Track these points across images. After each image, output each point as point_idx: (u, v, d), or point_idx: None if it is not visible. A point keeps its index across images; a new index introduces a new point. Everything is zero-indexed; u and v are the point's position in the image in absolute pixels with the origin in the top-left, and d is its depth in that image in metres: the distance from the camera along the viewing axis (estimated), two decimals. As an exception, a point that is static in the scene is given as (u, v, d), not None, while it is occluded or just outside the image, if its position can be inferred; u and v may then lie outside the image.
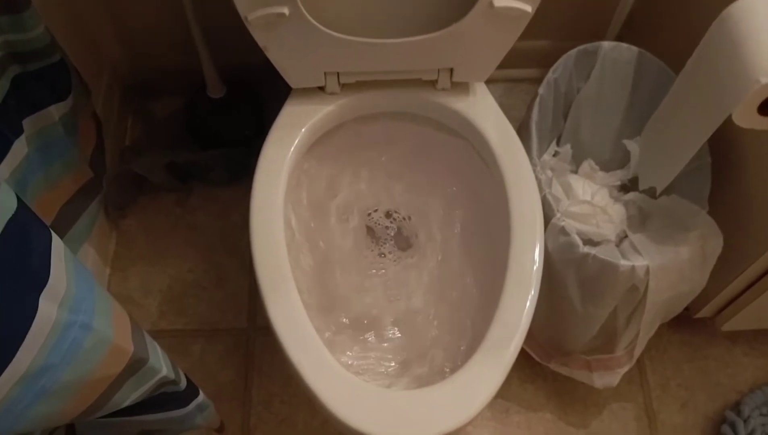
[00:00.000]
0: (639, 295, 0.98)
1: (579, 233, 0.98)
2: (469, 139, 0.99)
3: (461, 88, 0.99)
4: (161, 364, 0.72)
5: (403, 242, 1.09)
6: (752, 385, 1.23)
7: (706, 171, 1.01)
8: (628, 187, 1.14)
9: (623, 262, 0.93)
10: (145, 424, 0.85)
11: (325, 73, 0.96)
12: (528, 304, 0.85)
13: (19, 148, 0.94)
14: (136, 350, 0.66)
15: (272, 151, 0.95)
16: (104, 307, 0.62)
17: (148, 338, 0.71)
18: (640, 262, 0.93)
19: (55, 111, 1.00)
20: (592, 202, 1.02)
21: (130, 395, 0.70)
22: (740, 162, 1.01)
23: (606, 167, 1.16)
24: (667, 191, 1.03)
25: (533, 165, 0.99)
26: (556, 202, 0.99)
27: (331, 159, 1.06)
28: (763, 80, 0.75)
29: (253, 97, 1.38)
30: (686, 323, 1.24)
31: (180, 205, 1.35)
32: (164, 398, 0.78)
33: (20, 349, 0.52)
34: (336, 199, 1.08)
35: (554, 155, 1.17)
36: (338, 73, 0.96)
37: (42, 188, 1.02)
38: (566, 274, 0.98)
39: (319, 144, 1.02)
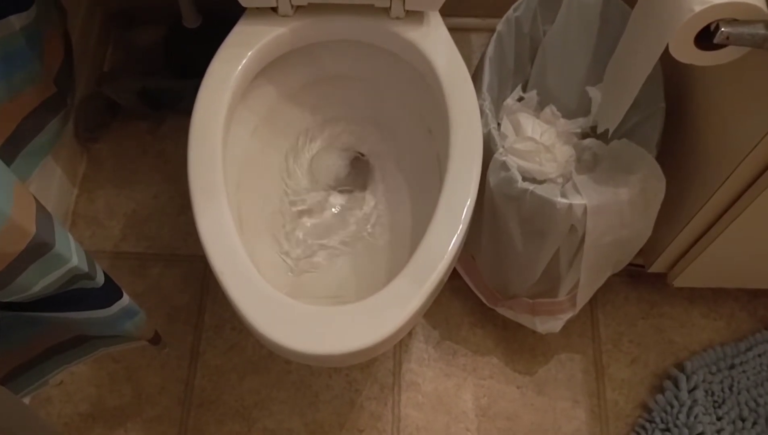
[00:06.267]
0: (579, 237, 0.97)
1: (521, 170, 0.97)
2: (420, 71, 0.99)
3: (415, 17, 0.98)
4: (71, 254, 0.73)
5: (358, 178, 1.10)
6: (706, 346, 1.21)
7: (659, 117, 0.99)
8: (589, 135, 1.13)
9: (560, 200, 0.92)
10: (71, 325, 0.87)
11: (276, -7, 0.96)
12: (456, 235, 0.85)
13: None
14: (39, 233, 0.67)
15: (219, 67, 0.96)
16: (3, 183, 0.63)
17: (58, 226, 0.72)
18: (578, 201, 0.92)
19: (16, 21, 1.01)
20: (538, 140, 1.01)
21: (37, 281, 0.71)
22: (692, 110, 0.99)
23: (572, 115, 1.14)
24: (620, 136, 1.01)
25: (482, 100, 0.99)
26: (502, 138, 0.98)
27: (285, 87, 1.07)
28: (697, 8, 0.73)
29: (228, 29, 1.37)
30: (644, 279, 1.23)
31: (151, 133, 1.37)
32: (82, 294, 0.79)
33: None
34: (287, 128, 1.08)
35: (519, 100, 1.15)
36: (290, -6, 0.96)
37: (2, 97, 1.03)
38: (507, 211, 0.98)
39: (273, 68, 1.02)
